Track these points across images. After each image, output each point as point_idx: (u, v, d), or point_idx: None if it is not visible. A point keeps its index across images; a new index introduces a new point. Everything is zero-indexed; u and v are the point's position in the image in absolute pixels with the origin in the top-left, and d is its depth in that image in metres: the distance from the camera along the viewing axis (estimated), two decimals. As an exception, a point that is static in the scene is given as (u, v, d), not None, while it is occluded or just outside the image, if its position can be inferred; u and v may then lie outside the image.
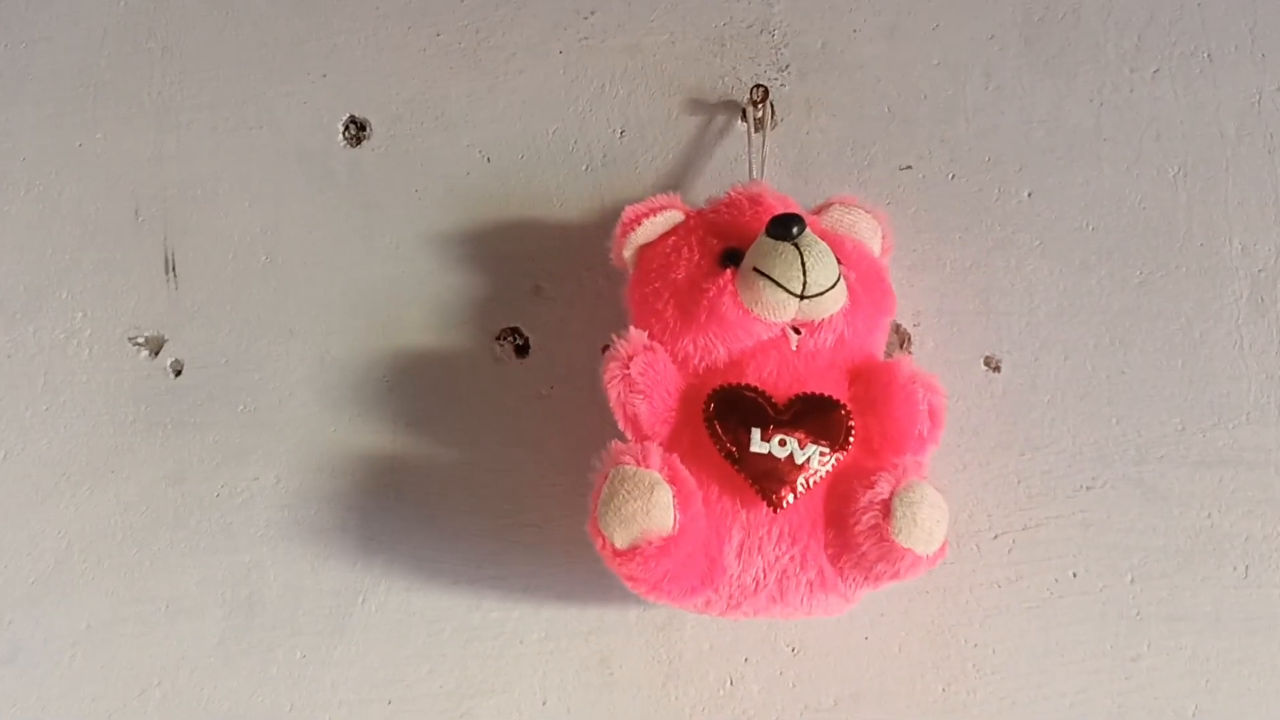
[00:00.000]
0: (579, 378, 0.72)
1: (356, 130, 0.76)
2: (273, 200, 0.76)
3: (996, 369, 0.72)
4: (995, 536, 0.70)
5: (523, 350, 0.73)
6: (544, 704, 0.71)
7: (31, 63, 0.78)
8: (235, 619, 0.72)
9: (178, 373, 0.74)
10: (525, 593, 0.71)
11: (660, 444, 0.62)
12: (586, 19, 0.76)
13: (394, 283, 0.74)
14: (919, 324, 0.72)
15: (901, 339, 0.72)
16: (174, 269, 0.75)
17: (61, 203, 0.77)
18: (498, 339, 0.73)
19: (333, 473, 0.73)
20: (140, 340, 0.75)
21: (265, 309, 0.75)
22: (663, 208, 0.67)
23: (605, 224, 0.71)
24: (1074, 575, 0.70)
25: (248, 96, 0.77)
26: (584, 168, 0.75)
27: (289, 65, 0.77)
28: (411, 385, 0.74)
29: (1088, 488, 0.70)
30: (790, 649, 0.70)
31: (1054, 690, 0.69)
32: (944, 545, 0.62)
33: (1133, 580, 0.70)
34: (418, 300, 0.74)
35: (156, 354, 0.75)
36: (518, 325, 0.73)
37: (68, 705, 0.72)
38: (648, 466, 0.59)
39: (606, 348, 0.64)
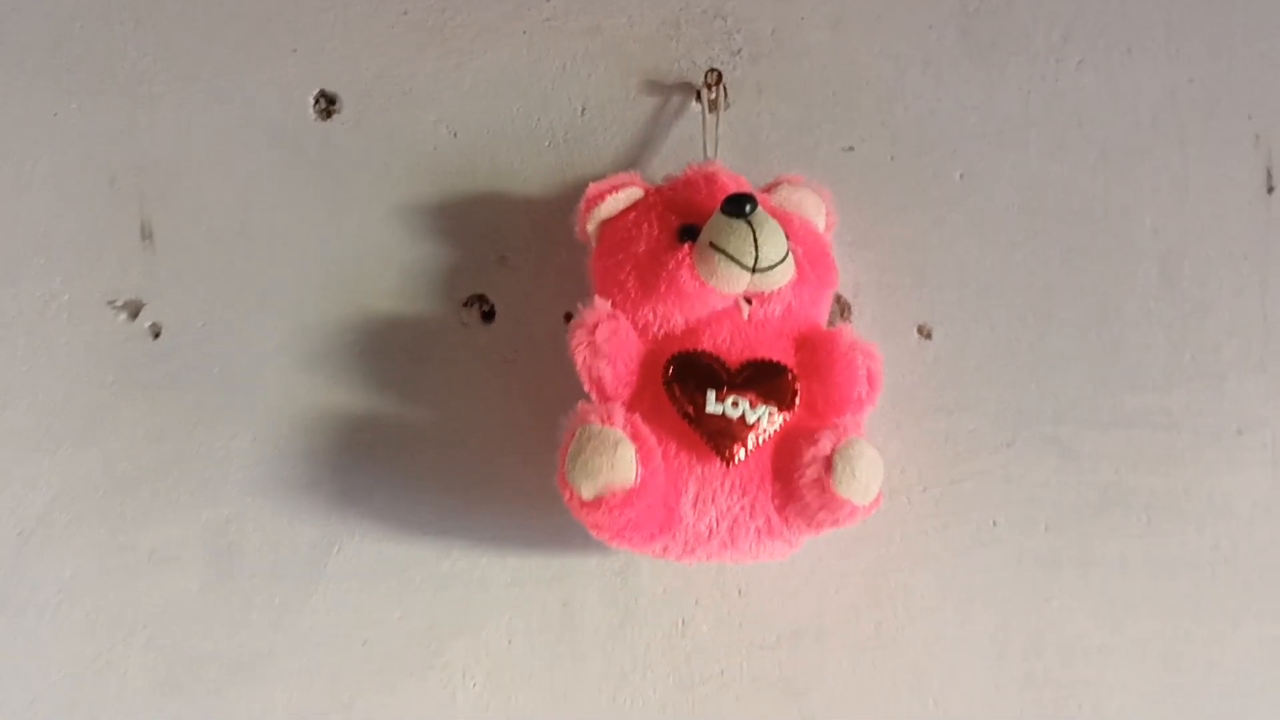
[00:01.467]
0: (542, 343, 0.73)
1: (327, 104, 0.75)
2: (245, 172, 0.75)
3: (929, 337, 0.75)
4: (924, 489, 0.74)
5: (489, 316, 0.74)
6: (509, 644, 0.73)
7: (4, 33, 0.75)
8: (216, 568, 0.73)
9: (156, 335, 0.74)
10: (491, 542, 0.73)
11: (623, 405, 0.64)
12: (549, 0, 0.76)
13: (364, 252, 0.74)
14: (858, 295, 0.74)
15: (842, 309, 0.74)
16: (151, 236, 0.74)
17: (37, 171, 0.75)
18: (465, 305, 0.74)
19: (306, 432, 0.74)
20: (119, 304, 0.74)
21: (240, 276, 0.74)
22: (624, 185, 0.68)
23: (567, 198, 0.72)
24: (994, 524, 0.73)
25: (219, 70, 0.75)
26: (547, 144, 0.75)
27: (260, 40, 0.75)
28: (381, 349, 0.74)
29: (1009, 445, 0.74)
30: (737, 591, 0.73)
31: (975, 629, 0.73)
32: (879, 497, 0.64)
33: (1047, 529, 0.74)
34: (387, 269, 0.74)
35: (135, 317, 0.74)
36: (484, 293, 0.74)
37: (55, 649, 0.73)
38: (612, 425, 0.61)
39: (571, 316, 0.66)
